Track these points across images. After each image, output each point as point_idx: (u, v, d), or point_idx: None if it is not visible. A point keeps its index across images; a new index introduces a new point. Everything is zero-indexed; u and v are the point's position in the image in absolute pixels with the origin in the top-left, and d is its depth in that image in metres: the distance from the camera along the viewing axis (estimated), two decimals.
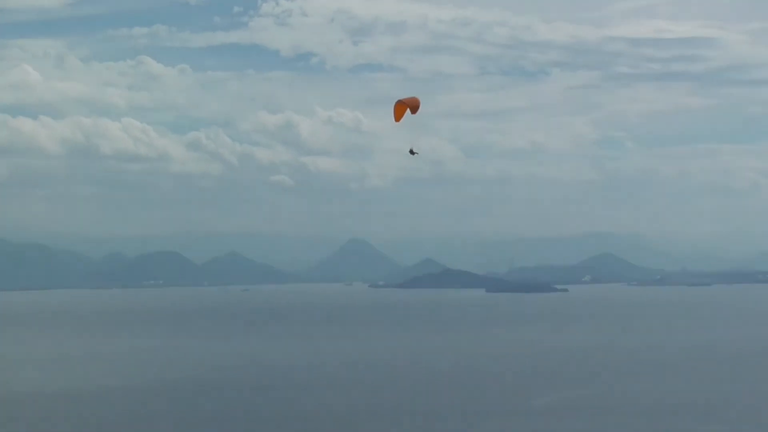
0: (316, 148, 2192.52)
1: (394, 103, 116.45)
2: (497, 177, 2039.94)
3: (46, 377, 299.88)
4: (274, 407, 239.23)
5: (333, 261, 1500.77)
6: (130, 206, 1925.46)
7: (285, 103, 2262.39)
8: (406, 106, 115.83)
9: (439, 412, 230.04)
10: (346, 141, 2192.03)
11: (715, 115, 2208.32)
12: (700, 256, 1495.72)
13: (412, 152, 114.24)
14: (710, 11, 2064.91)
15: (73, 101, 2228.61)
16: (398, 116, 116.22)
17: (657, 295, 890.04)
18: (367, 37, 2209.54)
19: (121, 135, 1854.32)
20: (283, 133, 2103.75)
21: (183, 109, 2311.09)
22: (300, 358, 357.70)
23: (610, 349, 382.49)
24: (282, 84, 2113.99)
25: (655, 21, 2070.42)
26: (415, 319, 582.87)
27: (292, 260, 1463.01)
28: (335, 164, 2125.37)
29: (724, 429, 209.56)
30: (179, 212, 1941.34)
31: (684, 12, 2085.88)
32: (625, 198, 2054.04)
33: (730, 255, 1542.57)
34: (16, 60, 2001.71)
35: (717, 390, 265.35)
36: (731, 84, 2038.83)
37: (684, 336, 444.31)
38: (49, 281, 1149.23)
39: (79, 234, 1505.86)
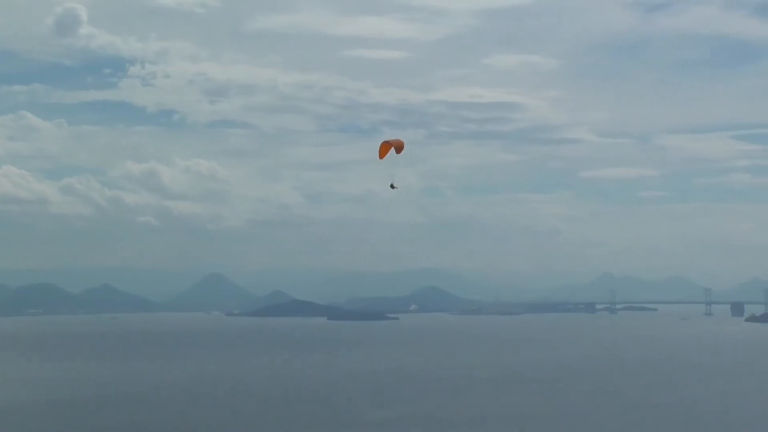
0: (176, 193, 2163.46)
1: (380, 143, 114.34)
2: (336, 220, 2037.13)
3: None
4: (130, 422, 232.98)
5: (194, 292, 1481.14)
6: (12, 243, 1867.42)
7: (150, 153, 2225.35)
8: (391, 146, 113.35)
9: (284, 424, 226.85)
10: (204, 187, 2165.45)
11: (522, 169, 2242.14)
12: (511, 289, 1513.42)
13: (392, 186, 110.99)
14: (515, 81, 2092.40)
15: None
16: (382, 154, 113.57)
17: (474, 323, 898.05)
18: (222, 97, 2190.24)
19: (1, 180, 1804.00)
20: (147, 180, 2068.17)
21: (59, 158, 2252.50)
22: (158, 376, 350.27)
23: (435, 368, 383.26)
24: (147, 137, 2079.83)
25: (471, 88, 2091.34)
26: (265, 343, 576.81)
27: (157, 292, 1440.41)
28: (194, 207, 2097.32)
29: None
30: (56, 249, 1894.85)
31: (494, 80, 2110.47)
32: (447, 239, 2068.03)
33: (535, 288, 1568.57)
34: None
35: (527, 401, 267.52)
36: (535, 142, 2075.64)
37: (496, 356, 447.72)
38: None
39: None
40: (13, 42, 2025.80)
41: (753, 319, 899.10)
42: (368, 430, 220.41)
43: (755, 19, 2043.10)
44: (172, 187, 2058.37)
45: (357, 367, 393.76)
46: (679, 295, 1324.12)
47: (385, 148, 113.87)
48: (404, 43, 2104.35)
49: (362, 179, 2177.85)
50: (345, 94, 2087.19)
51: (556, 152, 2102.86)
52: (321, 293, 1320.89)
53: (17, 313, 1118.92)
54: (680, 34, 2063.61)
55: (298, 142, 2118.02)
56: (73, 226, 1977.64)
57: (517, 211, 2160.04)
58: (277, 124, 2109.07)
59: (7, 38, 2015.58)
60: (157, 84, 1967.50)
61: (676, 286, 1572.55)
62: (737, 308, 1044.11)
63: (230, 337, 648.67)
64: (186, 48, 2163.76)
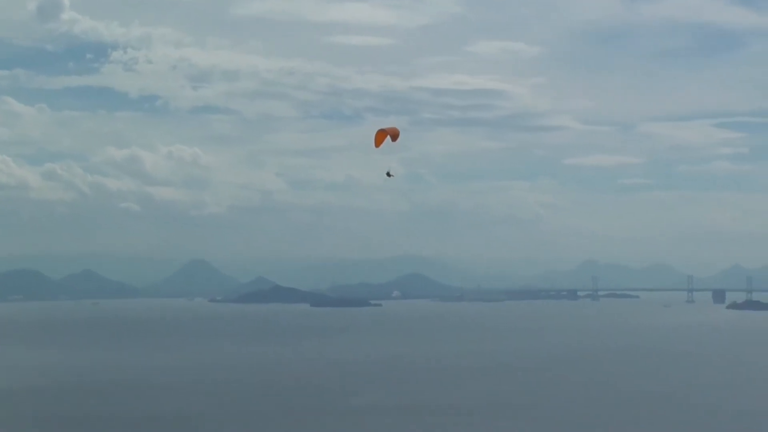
0: (159, 179, 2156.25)
1: (375, 131, 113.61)
2: (319, 206, 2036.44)
3: None
4: (111, 409, 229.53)
5: (177, 278, 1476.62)
6: None
7: (132, 139, 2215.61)
8: (387, 134, 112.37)
9: (266, 411, 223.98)
10: (186, 173, 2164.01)
11: (505, 156, 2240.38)
12: (494, 276, 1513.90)
13: (389, 174, 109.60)
14: (498, 68, 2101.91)
15: None
16: (378, 142, 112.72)
17: (457, 310, 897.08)
18: (205, 82, 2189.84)
19: None
20: (129, 165, 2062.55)
21: (40, 144, 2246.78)
22: (141, 363, 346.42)
23: (418, 356, 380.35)
24: (129, 122, 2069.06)
25: (455, 75, 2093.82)
26: (248, 330, 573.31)
27: (140, 278, 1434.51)
28: (176, 193, 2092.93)
29: (519, 426, 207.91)
30: (38, 234, 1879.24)
31: (477, 67, 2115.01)
32: (430, 226, 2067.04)
33: (518, 275, 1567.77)
34: None
35: (509, 390, 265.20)
36: (518, 130, 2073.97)
37: (479, 344, 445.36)
38: None
39: None
40: None
41: (734, 306, 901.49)
42: (350, 417, 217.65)
43: (738, 7, 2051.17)
44: (155, 173, 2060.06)
45: (340, 354, 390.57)
46: (662, 282, 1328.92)
47: (380, 136, 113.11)
48: (387, 29, 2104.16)
49: (345, 166, 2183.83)
50: (328, 81, 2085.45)
51: (539, 140, 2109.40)
52: (304, 280, 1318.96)
53: (0, 298, 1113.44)
54: (663, 23, 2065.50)
55: (281, 129, 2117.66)
56: (54, 212, 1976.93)
57: (500, 199, 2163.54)
58: (260, 110, 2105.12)
59: None
60: (139, 69, 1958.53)
61: (659, 274, 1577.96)
62: (719, 295, 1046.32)
63: (213, 324, 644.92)
64: (169, 33, 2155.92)
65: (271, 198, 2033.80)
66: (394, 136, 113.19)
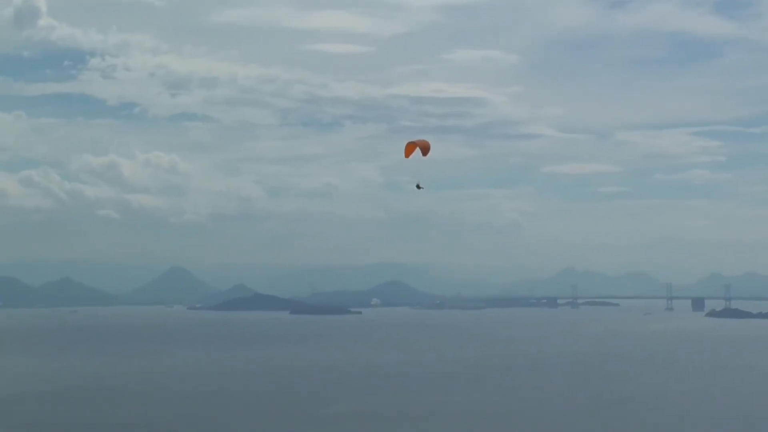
0: (137, 186, 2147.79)
1: (405, 143, 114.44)
2: (297, 214, 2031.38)
3: None
4: (85, 416, 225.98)
5: (155, 286, 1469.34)
6: None
7: (109, 146, 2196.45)
8: (416, 146, 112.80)
9: (244, 418, 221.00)
10: (164, 180, 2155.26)
11: (483, 164, 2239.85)
12: (473, 284, 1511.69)
13: (418, 187, 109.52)
14: (476, 76, 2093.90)
15: None
16: (408, 153, 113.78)
17: (436, 317, 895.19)
18: (183, 90, 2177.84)
19: None
20: (107, 172, 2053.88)
21: (17, 151, 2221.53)
22: (118, 371, 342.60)
23: (398, 363, 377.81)
24: (107, 130, 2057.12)
25: (433, 83, 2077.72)
26: (227, 337, 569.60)
27: (118, 285, 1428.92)
28: (155, 201, 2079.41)
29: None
30: (15, 242, 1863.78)
31: (456, 75, 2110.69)
32: (409, 233, 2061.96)
33: (497, 283, 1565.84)
34: None
35: (493, 397, 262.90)
36: (496, 138, 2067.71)
37: (458, 352, 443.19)
38: None
39: None
40: None
41: (713, 314, 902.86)
42: (329, 423, 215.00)
43: (714, 16, 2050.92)
44: (133, 180, 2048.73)
45: (319, 361, 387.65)
46: (639, 290, 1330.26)
47: (410, 148, 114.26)
48: (365, 37, 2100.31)
49: (324, 173, 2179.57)
50: (306, 88, 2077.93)
51: (516, 148, 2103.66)
52: (283, 287, 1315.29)
53: None
54: (640, 31, 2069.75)
55: (259, 136, 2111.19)
56: (32, 219, 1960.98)
57: (478, 206, 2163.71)
58: (237, 118, 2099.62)
59: None
60: (117, 76, 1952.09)
61: (636, 281, 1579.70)
62: (698, 303, 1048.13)
63: (191, 332, 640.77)
64: (146, 41, 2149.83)
65: (250, 205, 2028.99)
66: (425, 149, 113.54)
